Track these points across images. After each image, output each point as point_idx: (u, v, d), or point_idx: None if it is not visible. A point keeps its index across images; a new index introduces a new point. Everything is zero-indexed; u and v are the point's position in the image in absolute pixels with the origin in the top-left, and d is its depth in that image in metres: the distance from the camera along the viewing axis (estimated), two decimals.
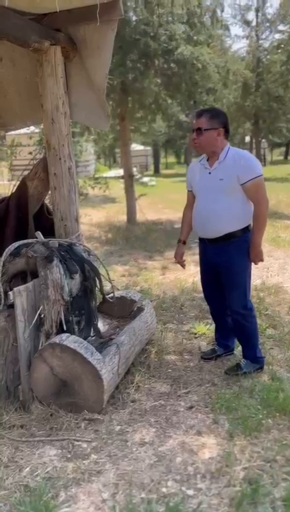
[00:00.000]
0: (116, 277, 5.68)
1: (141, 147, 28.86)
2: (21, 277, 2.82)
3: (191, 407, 2.62)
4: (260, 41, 13.22)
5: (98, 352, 2.71)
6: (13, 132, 7.46)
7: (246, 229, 2.87)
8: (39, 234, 2.78)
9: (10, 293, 2.55)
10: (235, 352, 3.28)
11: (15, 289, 2.54)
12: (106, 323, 3.32)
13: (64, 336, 2.58)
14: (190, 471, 2.07)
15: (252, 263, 2.93)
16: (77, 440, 2.34)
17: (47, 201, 3.39)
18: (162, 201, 13.61)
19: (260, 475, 1.99)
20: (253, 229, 2.86)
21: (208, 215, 2.89)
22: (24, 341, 2.59)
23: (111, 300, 3.26)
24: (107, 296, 3.28)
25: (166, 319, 4.01)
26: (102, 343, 3.01)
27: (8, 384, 2.68)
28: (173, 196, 15.21)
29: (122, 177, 9.82)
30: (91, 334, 2.99)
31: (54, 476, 2.08)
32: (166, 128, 14.92)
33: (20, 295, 2.55)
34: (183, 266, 3.35)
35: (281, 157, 35.07)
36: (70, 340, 2.54)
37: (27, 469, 2.14)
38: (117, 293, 3.38)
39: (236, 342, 3.26)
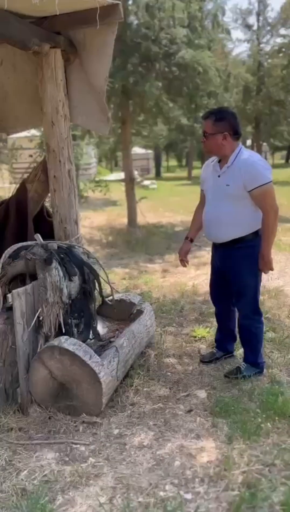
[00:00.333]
0: (117, 280, 5.68)
1: (142, 151, 28.92)
2: (20, 279, 2.82)
3: (190, 411, 2.61)
4: (261, 45, 13.25)
5: (97, 355, 2.71)
6: (13, 135, 7.49)
7: (255, 234, 2.79)
8: (38, 236, 2.78)
9: (9, 295, 2.55)
10: (235, 354, 3.26)
11: (14, 291, 2.53)
12: (105, 325, 3.31)
13: (62, 338, 2.58)
14: (188, 475, 2.05)
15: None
16: (75, 443, 2.33)
17: (47, 203, 3.39)
18: (163, 204, 13.62)
19: (258, 479, 1.98)
20: (262, 238, 2.76)
21: (214, 220, 2.87)
22: (22, 344, 2.59)
23: (110, 303, 3.26)
24: (106, 299, 3.27)
25: (166, 322, 4.00)
26: (101, 346, 3.00)
27: (6, 386, 2.67)
28: (174, 199, 15.24)
29: (124, 180, 9.82)
30: (90, 336, 2.98)
31: (52, 480, 2.07)
32: (167, 132, 14.92)
33: (19, 298, 2.54)
34: (184, 264, 3.27)
35: (283, 161, 35.09)
36: (68, 343, 2.54)
37: (25, 472, 2.13)
38: (117, 296, 3.38)
39: (236, 344, 3.25)
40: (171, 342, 3.56)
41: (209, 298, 4.66)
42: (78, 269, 2.85)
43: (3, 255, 2.73)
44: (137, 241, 8.27)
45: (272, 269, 2.82)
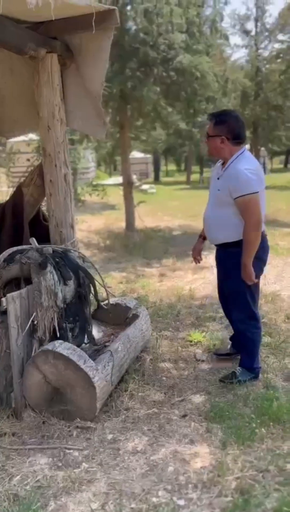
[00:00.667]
0: (114, 284, 5.68)
1: (141, 155, 28.99)
2: (15, 283, 2.81)
3: (184, 416, 2.60)
4: (259, 51, 13.31)
5: (92, 359, 2.70)
6: (11, 139, 7.50)
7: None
8: (33, 240, 2.77)
9: (3, 299, 2.54)
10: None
11: (8, 295, 2.53)
12: (100, 330, 3.30)
13: (57, 343, 2.57)
14: (182, 480, 2.04)
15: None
16: (69, 449, 2.32)
17: (43, 207, 3.39)
18: (162, 209, 13.64)
19: (252, 486, 1.97)
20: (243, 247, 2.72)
21: (208, 222, 2.93)
22: (17, 348, 2.58)
23: (106, 307, 3.25)
24: (102, 303, 3.27)
25: (162, 326, 3.99)
26: (96, 350, 2.99)
27: (0, 391, 2.66)
28: (172, 203, 15.26)
29: (122, 184, 9.84)
30: (85, 341, 2.98)
31: (44, 485, 2.05)
32: (166, 136, 14.99)
33: (13, 302, 2.54)
34: (197, 261, 3.26)
35: (281, 166, 35.20)
36: (63, 347, 2.53)
37: (17, 477, 2.11)
38: (112, 300, 3.37)
39: None
40: (167, 346, 3.55)
41: (206, 302, 4.71)
42: (73, 273, 2.85)
43: None
44: (134, 245, 8.27)
45: (252, 281, 2.74)
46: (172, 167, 41.22)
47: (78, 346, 2.90)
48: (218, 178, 2.86)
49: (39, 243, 2.82)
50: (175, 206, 14.47)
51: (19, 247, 2.79)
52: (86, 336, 2.97)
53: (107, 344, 3.08)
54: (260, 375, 3.00)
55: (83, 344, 2.98)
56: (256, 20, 13.56)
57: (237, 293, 2.87)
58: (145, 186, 20.95)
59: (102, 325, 3.36)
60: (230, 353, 3.27)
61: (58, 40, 3.01)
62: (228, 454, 2.19)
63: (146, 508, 1.87)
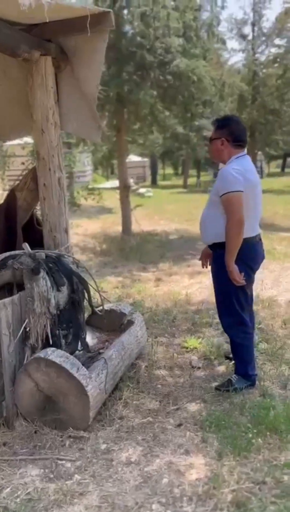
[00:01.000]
0: (109, 289, 5.63)
1: (138, 158, 29.00)
2: (8, 289, 2.76)
3: (180, 425, 2.54)
4: (256, 55, 13.34)
5: (86, 367, 2.65)
6: (6, 143, 7.45)
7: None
8: (25, 245, 2.72)
9: None
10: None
11: (0, 301, 2.47)
12: (95, 336, 3.25)
13: (49, 350, 2.51)
14: (176, 493, 1.99)
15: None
16: (61, 459, 2.26)
17: (37, 212, 3.34)
18: (158, 212, 13.61)
19: (248, 498, 1.92)
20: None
21: (201, 222, 2.96)
22: (8, 355, 2.52)
23: (100, 313, 3.20)
24: (96, 309, 3.22)
25: (157, 332, 3.94)
26: (90, 358, 2.94)
27: None
28: (169, 207, 15.23)
29: (118, 188, 9.80)
30: (79, 348, 2.92)
31: (35, 498, 1.99)
32: (163, 140, 14.99)
33: (5, 308, 2.48)
34: (204, 266, 3.20)
35: (278, 170, 35.28)
36: (55, 355, 2.48)
37: (8, 489, 2.05)
38: (107, 306, 3.32)
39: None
40: (162, 353, 3.50)
41: (202, 308, 4.66)
42: (66, 279, 2.80)
43: None
44: (131, 249, 8.22)
45: (236, 281, 2.70)
46: (169, 170, 41.26)
47: (72, 353, 2.85)
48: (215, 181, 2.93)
49: (32, 248, 2.77)
50: (172, 209, 14.44)
51: (12, 252, 2.74)
52: (79, 343, 2.91)
53: (101, 351, 3.03)
54: (257, 383, 2.95)
55: (77, 351, 2.93)
56: (253, 25, 13.59)
57: (224, 295, 2.85)
58: (142, 190, 20.92)
59: (97, 332, 3.31)
60: (229, 357, 3.24)
61: (53, 43, 2.97)
62: (224, 465, 2.14)
63: None
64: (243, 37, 13.82)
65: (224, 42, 9.45)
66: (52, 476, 2.15)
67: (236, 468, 2.11)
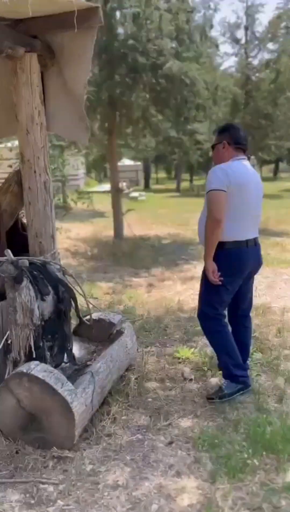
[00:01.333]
0: (100, 295, 5.48)
1: (131, 162, 28.91)
2: None
3: (171, 443, 2.40)
4: (249, 59, 13.31)
5: (72, 381, 2.50)
6: None
7: (219, 245, 2.70)
8: (8, 252, 2.57)
9: None
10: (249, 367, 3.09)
11: None
12: (82, 347, 3.10)
13: (32, 364, 2.36)
14: None
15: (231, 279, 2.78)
16: (43, 483, 2.11)
17: (22, 217, 3.19)
18: (151, 216, 13.49)
19: None
20: None
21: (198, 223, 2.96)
22: None
23: (88, 323, 3.05)
24: (84, 318, 3.07)
25: (148, 342, 3.80)
26: (77, 370, 2.79)
27: None
28: (162, 211, 15.13)
29: (110, 191, 9.67)
30: (65, 360, 2.77)
31: None
32: (155, 144, 14.91)
33: None
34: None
35: (271, 174, 35.38)
36: (38, 370, 2.32)
37: None
38: (95, 315, 3.18)
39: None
40: (153, 364, 3.36)
41: (195, 315, 4.53)
42: (52, 288, 2.65)
43: None
44: (123, 254, 8.08)
45: (211, 279, 2.70)
46: (162, 174, 41.21)
47: (57, 366, 2.70)
48: None
49: (17, 255, 2.62)
50: (164, 213, 14.34)
51: None
52: (65, 355, 2.76)
53: (89, 363, 2.88)
54: (252, 396, 2.82)
55: (63, 364, 2.78)
56: (246, 29, 13.56)
57: (202, 288, 2.88)
58: (135, 194, 20.82)
59: (84, 342, 3.16)
60: None
61: (39, 39, 2.84)
62: (218, 489, 2.00)
63: None
64: (236, 41, 13.80)
65: (217, 46, 9.37)
66: (33, 501, 2.00)
67: (231, 493, 1.97)
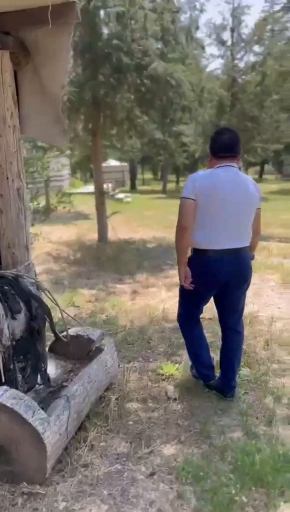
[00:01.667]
0: (82, 303, 5.28)
1: (117, 163, 28.71)
2: None
3: (152, 474, 2.22)
4: (235, 61, 13.23)
5: (45, 405, 2.31)
6: None
7: (193, 251, 2.83)
8: None
9: None
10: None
11: None
12: (58, 366, 2.90)
13: (1, 391, 2.15)
14: None
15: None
16: None
17: None
18: (137, 219, 13.30)
19: None
20: None
21: None
22: None
23: (65, 339, 2.85)
24: (60, 335, 2.86)
25: (131, 356, 3.61)
26: (52, 392, 2.59)
27: None
28: (148, 213, 14.95)
29: (94, 193, 9.44)
30: (39, 382, 2.57)
31: None
32: (141, 146, 14.73)
33: None
34: None
35: (257, 176, 35.55)
36: (7, 396, 2.12)
37: None
38: (73, 331, 2.98)
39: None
40: (135, 381, 3.17)
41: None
42: (24, 304, 2.45)
43: None
44: (107, 258, 7.86)
45: (182, 283, 2.85)
46: (148, 175, 41.07)
47: (30, 388, 2.50)
48: None
49: None
50: (150, 215, 14.17)
51: None
52: (39, 377, 2.56)
53: (65, 383, 2.68)
54: (240, 417, 2.66)
55: (37, 386, 2.57)
56: (232, 30, 13.48)
57: (180, 290, 3.04)
58: (121, 195, 20.61)
59: (61, 360, 2.95)
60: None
61: (11, 36, 2.63)
62: None
63: None
64: (222, 42, 13.70)
65: (203, 47, 9.24)
66: None
67: None
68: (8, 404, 2.08)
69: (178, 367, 3.33)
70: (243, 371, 3.27)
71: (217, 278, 2.77)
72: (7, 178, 2.68)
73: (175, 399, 2.93)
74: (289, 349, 3.71)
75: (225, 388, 2.91)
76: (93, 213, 11.60)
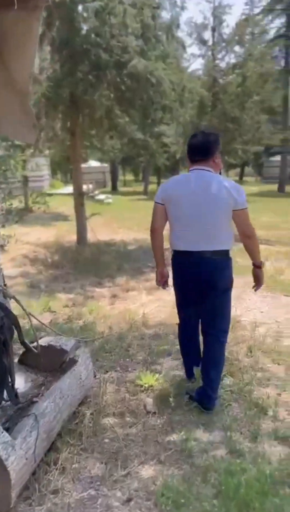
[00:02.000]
0: (58, 308, 5.05)
1: (98, 164, 28.41)
2: None
3: (129, 500, 2.03)
4: (216, 61, 13.16)
5: (12, 424, 2.09)
6: None
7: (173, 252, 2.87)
8: None
9: None
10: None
11: None
12: (29, 379, 2.68)
13: None
14: None
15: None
16: None
17: None
18: (118, 220, 13.09)
19: None
20: None
21: None
22: None
23: (35, 351, 2.63)
24: (30, 345, 2.65)
25: (108, 366, 3.41)
26: (20, 409, 2.37)
27: None
28: (129, 215, 14.75)
29: (72, 194, 9.20)
30: (5, 398, 2.34)
31: None
32: (121, 146, 14.52)
33: None
34: None
35: (237, 178, 35.73)
36: None
37: None
38: (44, 341, 2.76)
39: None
40: (113, 393, 2.97)
41: (160, 332, 4.19)
42: None
43: None
44: (85, 261, 7.64)
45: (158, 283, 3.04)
46: (130, 176, 40.86)
47: None
48: None
49: None
50: (131, 217, 13.96)
51: None
52: (5, 393, 2.33)
53: (35, 399, 2.46)
54: (222, 433, 2.50)
55: (3, 402, 2.35)
56: (213, 30, 13.41)
57: None
58: (101, 196, 20.36)
59: (32, 373, 2.73)
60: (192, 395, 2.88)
61: None
62: None
63: None
64: (203, 42, 13.62)
65: (183, 46, 9.10)
66: None
67: None
68: None
69: (158, 377, 3.14)
70: (226, 381, 3.11)
71: (185, 279, 2.80)
72: None
73: (154, 412, 2.74)
74: (272, 356, 3.57)
75: (204, 399, 2.75)
76: (72, 214, 11.36)
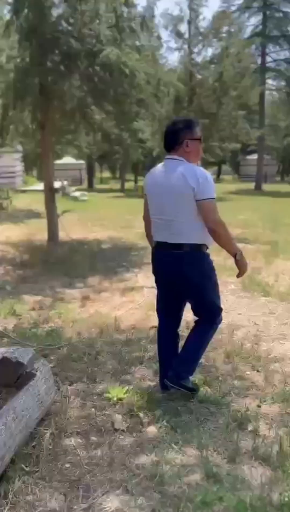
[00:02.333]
0: (24, 311, 4.71)
1: (73, 160, 27.94)
2: None
3: None
4: (193, 55, 12.95)
5: None
6: None
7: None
8: None
9: None
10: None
11: None
12: None
13: None
14: None
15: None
16: None
17: None
18: (92, 218, 12.74)
19: None
20: None
21: None
22: None
23: None
24: None
25: (74, 376, 3.11)
26: None
27: None
28: (105, 212, 14.43)
29: (43, 190, 8.83)
30: None
31: None
32: (94, 141, 14.17)
33: None
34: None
35: (214, 176, 35.84)
36: None
37: None
38: None
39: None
40: (77, 409, 2.68)
41: (132, 337, 3.92)
42: None
43: None
44: (56, 260, 7.29)
45: None
46: (107, 174, 40.43)
47: None
48: None
49: None
50: (106, 215, 13.65)
51: None
52: None
53: None
54: (197, 453, 2.24)
55: None
56: (189, 23, 13.19)
57: None
58: (76, 193, 19.94)
59: None
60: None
61: None
62: None
63: None
64: (179, 35, 13.39)
65: (159, 37, 8.83)
66: None
67: None
68: None
69: (128, 389, 2.86)
70: (201, 392, 2.86)
71: (154, 271, 2.83)
72: None
73: (123, 430, 2.47)
74: (251, 363, 3.35)
75: (170, 372, 2.71)
76: (44, 212, 10.97)
